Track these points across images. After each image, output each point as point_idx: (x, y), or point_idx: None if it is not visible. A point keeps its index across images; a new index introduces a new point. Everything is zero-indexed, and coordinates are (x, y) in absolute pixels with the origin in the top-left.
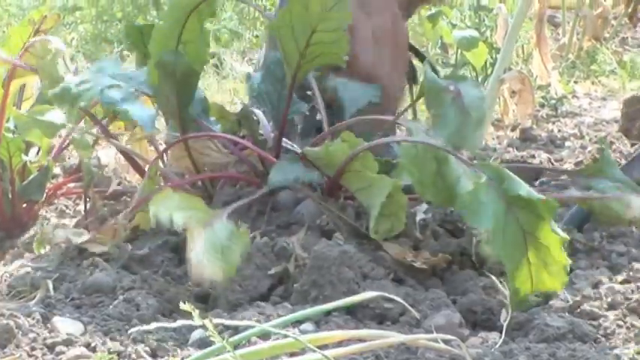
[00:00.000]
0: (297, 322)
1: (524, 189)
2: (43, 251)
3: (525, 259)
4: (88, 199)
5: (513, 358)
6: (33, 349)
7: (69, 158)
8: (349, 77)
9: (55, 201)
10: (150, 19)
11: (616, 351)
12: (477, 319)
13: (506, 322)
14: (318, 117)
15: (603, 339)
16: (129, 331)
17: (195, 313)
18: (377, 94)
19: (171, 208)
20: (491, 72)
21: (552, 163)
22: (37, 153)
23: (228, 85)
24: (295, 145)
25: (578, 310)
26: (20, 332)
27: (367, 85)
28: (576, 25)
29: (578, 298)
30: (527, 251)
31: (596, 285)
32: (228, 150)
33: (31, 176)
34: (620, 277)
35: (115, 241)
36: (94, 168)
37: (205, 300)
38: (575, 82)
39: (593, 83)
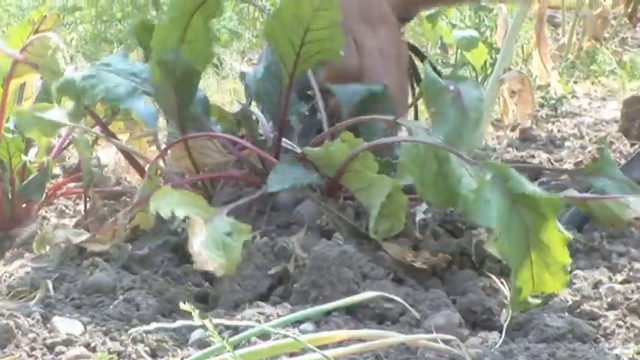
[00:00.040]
0: (297, 322)
1: (529, 187)
2: (43, 251)
3: (528, 258)
4: (88, 199)
5: (513, 358)
6: (33, 349)
7: (69, 158)
8: None
9: (55, 201)
10: (150, 19)
11: (616, 351)
12: (476, 319)
13: (506, 322)
14: (318, 117)
15: (603, 339)
16: (129, 331)
17: (195, 313)
18: (377, 90)
19: (173, 204)
20: (491, 72)
21: (552, 163)
22: (37, 153)
23: (228, 85)
24: (295, 145)
25: (578, 310)
26: (20, 332)
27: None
28: (576, 25)
29: (577, 298)
30: (531, 251)
31: (596, 285)
32: (228, 150)
33: (31, 176)
34: (620, 277)
35: (115, 241)
36: (94, 168)
37: (205, 300)
38: (575, 83)
39: (592, 83)
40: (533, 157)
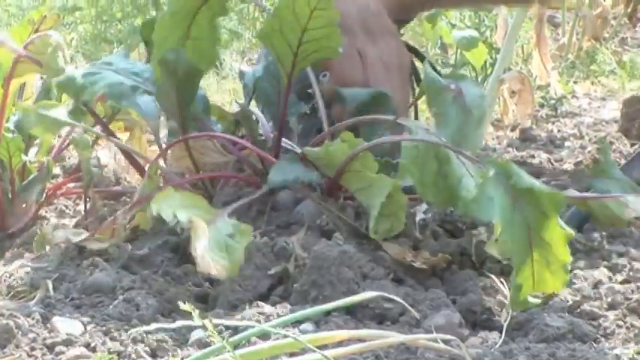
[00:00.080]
0: (297, 322)
1: (532, 183)
2: (42, 251)
3: (530, 256)
4: (87, 199)
5: (513, 358)
6: (33, 349)
7: (69, 158)
8: None
9: (55, 201)
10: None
11: (616, 351)
12: (476, 319)
13: (506, 322)
14: (318, 116)
15: (603, 339)
16: (129, 332)
17: (195, 313)
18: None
19: (174, 206)
20: (491, 72)
21: (552, 163)
22: (37, 153)
23: (227, 85)
24: (295, 145)
25: (578, 310)
26: (20, 332)
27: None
28: (576, 25)
29: (578, 298)
30: (532, 249)
31: (596, 285)
32: (228, 150)
33: (31, 176)
34: (620, 277)
35: (115, 241)
36: (93, 168)
37: (205, 300)
38: (575, 83)
39: (592, 83)
40: (533, 157)
